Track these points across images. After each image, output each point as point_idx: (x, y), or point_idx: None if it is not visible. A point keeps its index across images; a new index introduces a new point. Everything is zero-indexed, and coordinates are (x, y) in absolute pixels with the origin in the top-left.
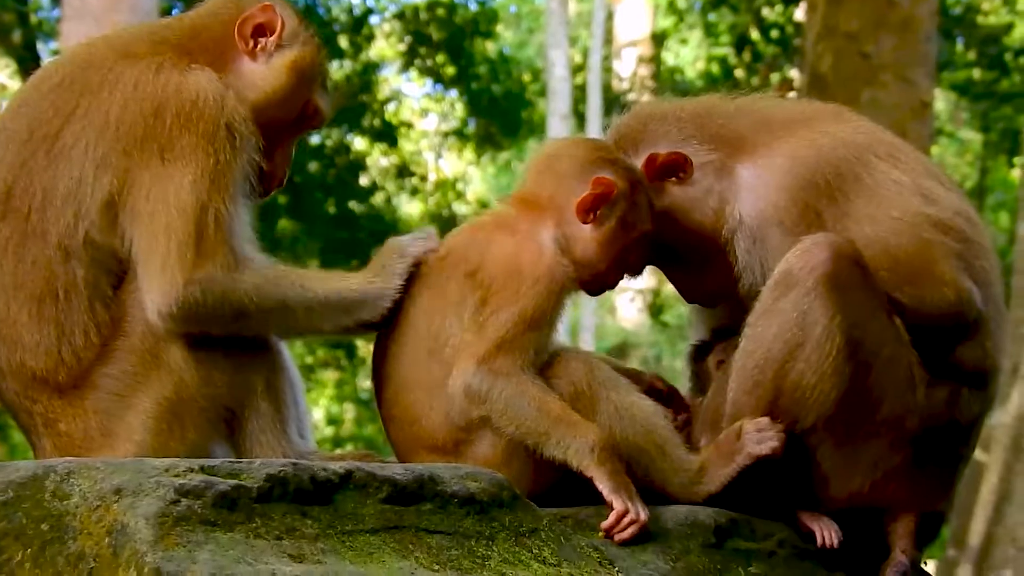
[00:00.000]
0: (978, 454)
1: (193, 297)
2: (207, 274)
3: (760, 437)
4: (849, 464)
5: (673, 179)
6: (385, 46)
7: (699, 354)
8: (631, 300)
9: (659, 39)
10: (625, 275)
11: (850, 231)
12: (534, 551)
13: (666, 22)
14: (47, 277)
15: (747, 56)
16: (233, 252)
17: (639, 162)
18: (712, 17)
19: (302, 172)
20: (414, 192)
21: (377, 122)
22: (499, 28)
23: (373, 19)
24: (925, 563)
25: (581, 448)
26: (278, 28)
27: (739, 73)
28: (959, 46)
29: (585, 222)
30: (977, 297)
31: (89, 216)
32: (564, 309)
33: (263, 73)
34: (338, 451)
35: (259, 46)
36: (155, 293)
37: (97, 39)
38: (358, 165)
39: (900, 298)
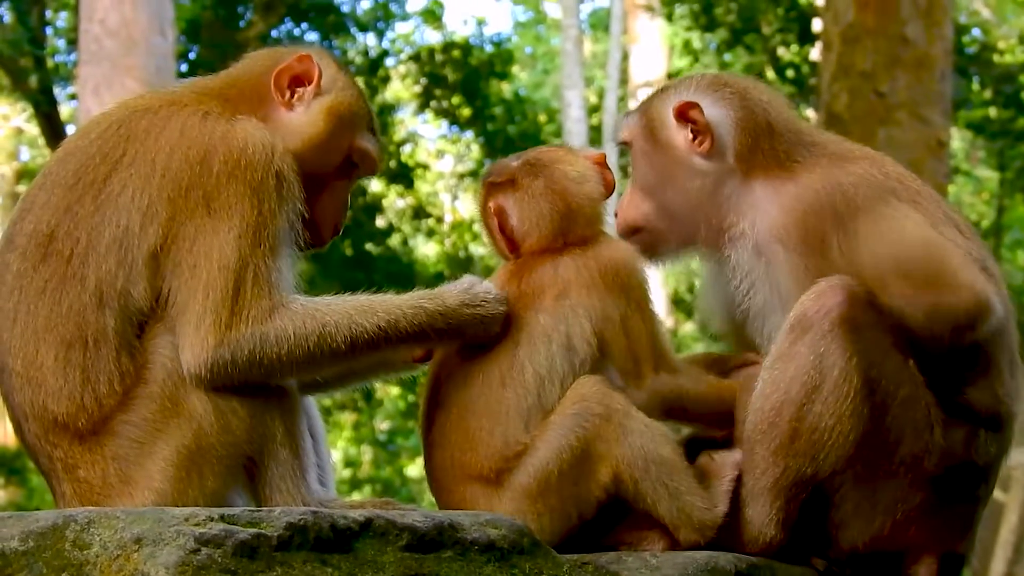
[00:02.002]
0: (997, 494)
1: (223, 359)
2: (238, 335)
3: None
4: (868, 506)
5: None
6: (401, 88)
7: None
8: None
9: (674, 79)
10: None
11: (859, 251)
12: None
13: (681, 62)
14: (79, 324)
15: None
16: (269, 302)
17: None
18: (728, 57)
19: None
20: (430, 233)
21: (393, 164)
22: (515, 69)
23: (389, 61)
24: None
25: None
26: (315, 77)
27: None
28: (975, 84)
29: None
30: (997, 302)
31: (136, 266)
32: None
33: (301, 122)
34: (357, 498)
35: (296, 96)
36: (188, 353)
37: (145, 92)
38: (374, 207)
39: (915, 313)
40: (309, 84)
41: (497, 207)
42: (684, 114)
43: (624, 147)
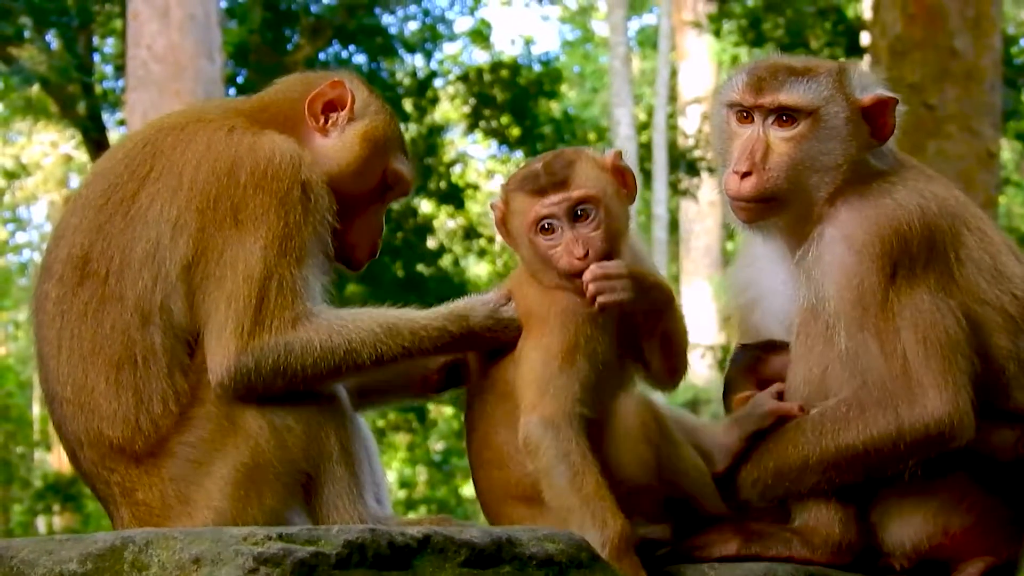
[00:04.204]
0: None
1: (247, 367)
2: (261, 344)
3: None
4: (917, 510)
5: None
6: (450, 108)
7: (745, 359)
8: (701, 356)
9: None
10: None
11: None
12: None
13: None
14: (125, 343)
15: None
16: (292, 312)
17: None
18: None
19: None
20: (481, 254)
21: (443, 184)
22: (563, 88)
23: (437, 82)
24: None
25: (595, 540)
26: (348, 103)
27: None
28: None
29: None
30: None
31: (169, 279)
32: (598, 342)
33: (336, 146)
34: (413, 515)
35: (330, 122)
36: (213, 362)
37: (172, 111)
38: (425, 228)
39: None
40: (342, 109)
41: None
42: (883, 106)
43: (784, 111)
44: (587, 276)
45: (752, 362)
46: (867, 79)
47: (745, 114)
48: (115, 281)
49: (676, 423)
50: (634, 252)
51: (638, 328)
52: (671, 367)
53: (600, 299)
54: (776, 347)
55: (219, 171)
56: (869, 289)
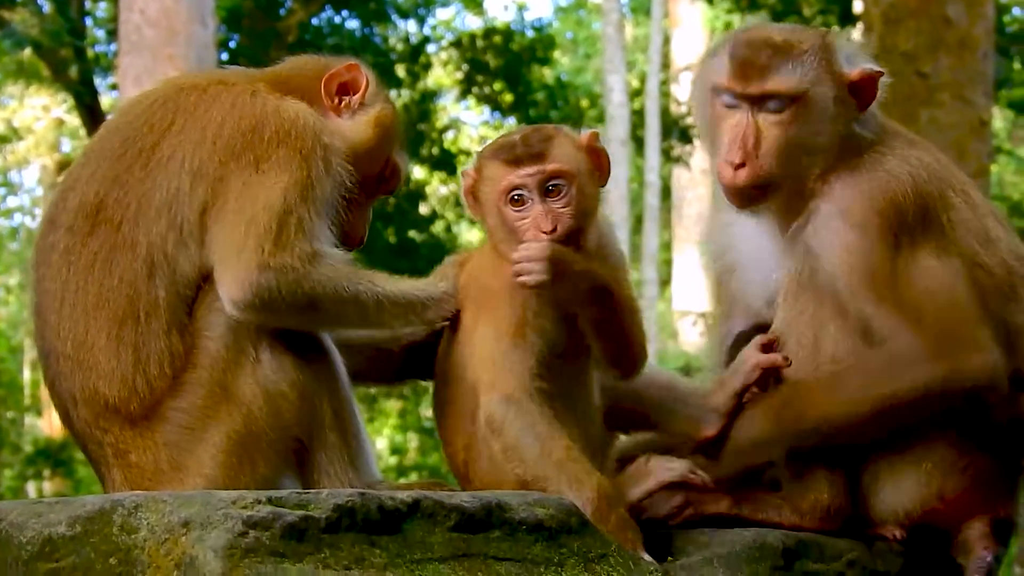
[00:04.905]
0: None
1: (268, 283)
2: (282, 262)
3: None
4: (910, 475)
5: None
6: (442, 74)
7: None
8: (693, 323)
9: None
10: None
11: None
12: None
13: None
14: (130, 296)
15: None
16: (311, 247)
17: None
18: None
19: None
20: (473, 220)
21: (436, 151)
22: (556, 54)
23: (430, 48)
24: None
25: (578, 504)
26: (362, 87)
27: None
28: (1016, 64)
29: None
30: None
31: (185, 225)
32: (546, 319)
33: (350, 127)
34: (403, 480)
35: (343, 103)
36: (229, 281)
37: (188, 74)
38: (417, 194)
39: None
40: (355, 93)
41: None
42: (870, 80)
43: (778, 97)
44: (514, 256)
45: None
46: (851, 50)
47: (731, 100)
48: (129, 228)
49: (666, 387)
50: (600, 235)
51: (576, 316)
52: (617, 358)
53: (518, 279)
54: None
55: (244, 128)
56: (878, 263)
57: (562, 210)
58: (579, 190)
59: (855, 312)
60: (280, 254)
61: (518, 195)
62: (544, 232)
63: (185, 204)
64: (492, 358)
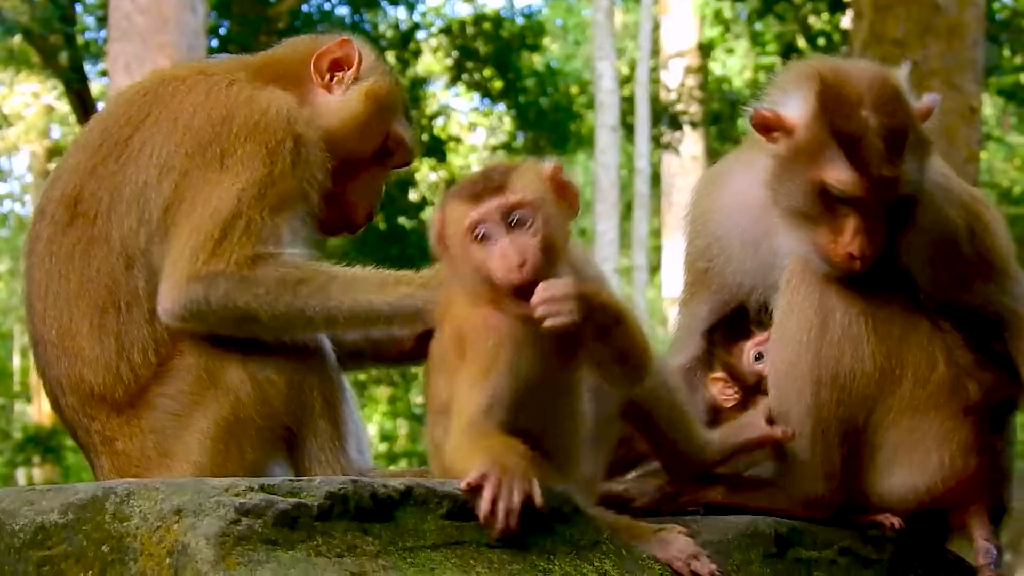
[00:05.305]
0: None
1: (196, 295)
2: (212, 272)
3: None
4: (916, 463)
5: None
6: (432, 61)
7: (718, 338)
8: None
9: (706, 49)
10: None
11: None
12: (595, 564)
13: (712, 32)
14: (109, 286)
15: None
16: (254, 252)
17: None
18: (758, 26)
19: None
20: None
21: (425, 137)
22: (546, 41)
23: (420, 34)
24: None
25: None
26: (355, 62)
27: None
28: (1006, 51)
29: None
30: None
31: (152, 221)
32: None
33: (339, 103)
34: (394, 468)
35: (336, 79)
36: (163, 291)
37: (180, 64)
38: (407, 181)
39: None
40: (349, 68)
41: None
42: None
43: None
44: (535, 299)
45: (735, 335)
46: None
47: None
48: (103, 222)
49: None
50: (578, 268)
51: (584, 340)
52: (622, 374)
53: (548, 323)
54: (749, 331)
55: (214, 119)
56: None
57: (529, 241)
58: (545, 221)
59: None
60: (214, 263)
61: (483, 232)
62: (514, 267)
63: (152, 199)
64: (460, 403)
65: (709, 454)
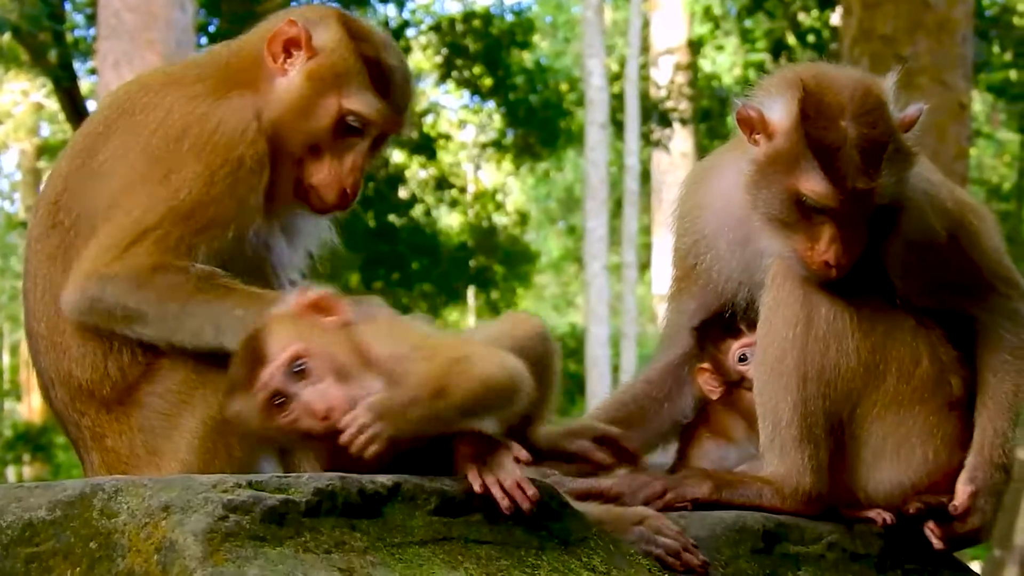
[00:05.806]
0: (1021, 453)
1: (93, 292)
2: (113, 272)
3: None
4: (905, 458)
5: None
6: (422, 58)
7: (706, 335)
8: None
9: (695, 46)
10: None
11: None
12: (584, 559)
13: (702, 29)
14: None
15: (784, 61)
16: (154, 261)
17: None
18: (748, 23)
19: None
20: (453, 204)
21: (415, 134)
22: (535, 38)
23: (409, 31)
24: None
25: None
26: (303, 40)
27: None
28: (995, 47)
29: None
30: None
31: None
32: None
33: (284, 87)
34: None
35: (289, 61)
36: (67, 284)
37: (159, 67)
38: (396, 178)
39: None
40: (301, 49)
41: None
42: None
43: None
44: (342, 439)
45: (722, 333)
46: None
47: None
48: (75, 234)
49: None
50: (366, 355)
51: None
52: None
53: (366, 453)
54: (738, 330)
55: (169, 137)
56: None
57: (320, 386)
58: (321, 356)
59: None
60: (115, 264)
61: (277, 403)
62: (322, 420)
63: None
64: None
65: (537, 437)
